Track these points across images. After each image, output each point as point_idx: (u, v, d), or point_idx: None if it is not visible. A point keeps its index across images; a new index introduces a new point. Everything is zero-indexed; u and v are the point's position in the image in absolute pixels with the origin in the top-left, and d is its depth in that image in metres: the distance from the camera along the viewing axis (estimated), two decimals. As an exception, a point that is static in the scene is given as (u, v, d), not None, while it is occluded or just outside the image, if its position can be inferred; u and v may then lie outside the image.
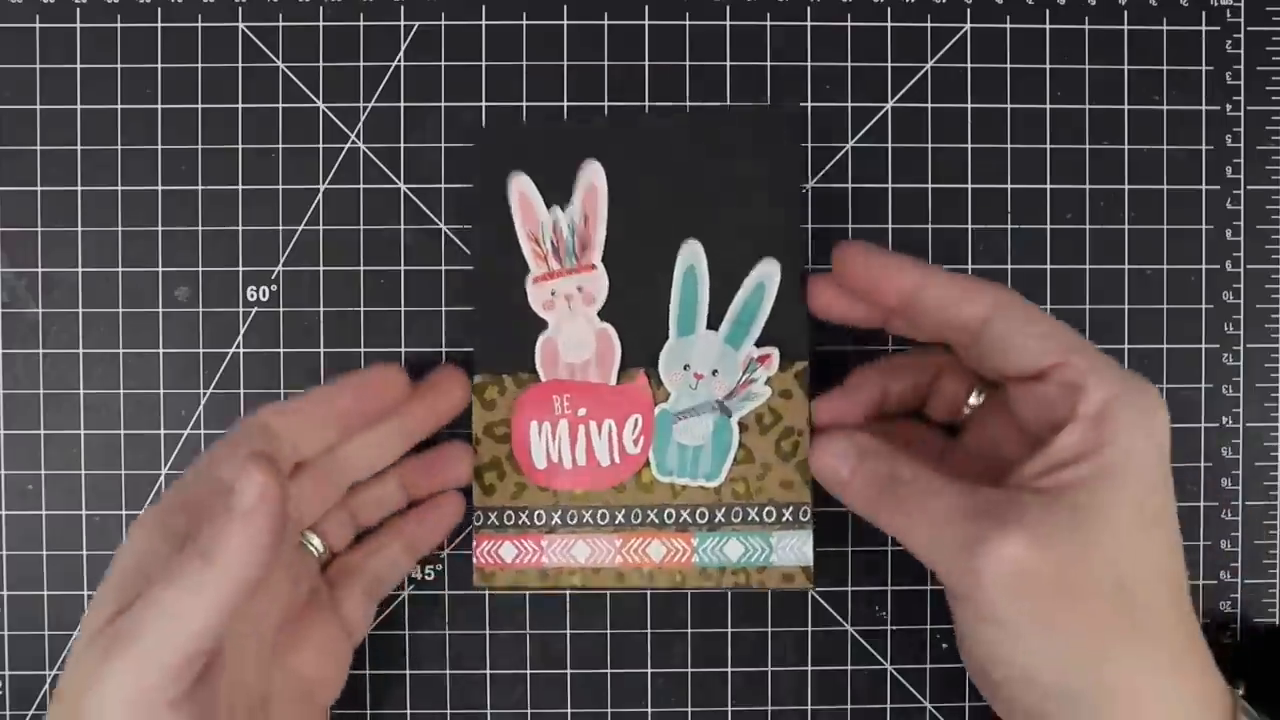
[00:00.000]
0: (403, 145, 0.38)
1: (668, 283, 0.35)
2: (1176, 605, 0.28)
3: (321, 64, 0.38)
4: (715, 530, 0.35)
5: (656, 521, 0.35)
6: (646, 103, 0.38)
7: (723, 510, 0.35)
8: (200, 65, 0.38)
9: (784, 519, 0.35)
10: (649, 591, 0.37)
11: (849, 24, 0.38)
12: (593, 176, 0.35)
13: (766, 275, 0.34)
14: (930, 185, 0.38)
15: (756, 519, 0.35)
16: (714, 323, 0.35)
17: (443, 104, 0.38)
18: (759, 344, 0.34)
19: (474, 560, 0.35)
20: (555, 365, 0.35)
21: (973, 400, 0.34)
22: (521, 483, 0.35)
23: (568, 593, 0.37)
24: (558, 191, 0.35)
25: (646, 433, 0.35)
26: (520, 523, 0.35)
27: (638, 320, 0.35)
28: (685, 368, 0.35)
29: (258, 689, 0.31)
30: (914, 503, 0.29)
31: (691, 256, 0.35)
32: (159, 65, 0.38)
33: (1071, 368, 0.28)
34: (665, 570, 0.35)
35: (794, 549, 0.35)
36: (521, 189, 0.35)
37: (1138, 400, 0.28)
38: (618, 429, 0.35)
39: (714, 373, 0.35)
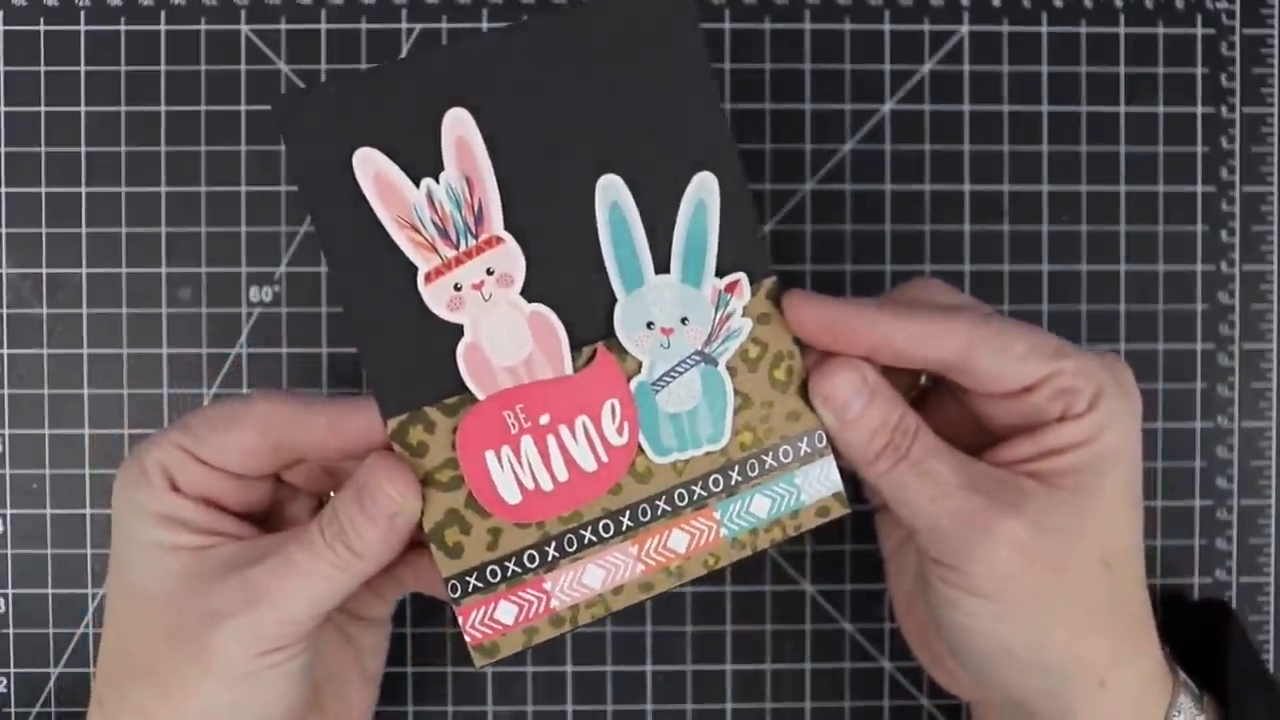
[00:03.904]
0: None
1: (594, 233, 0.28)
2: (1141, 582, 0.29)
3: (324, 66, 0.38)
4: (736, 493, 0.29)
5: (669, 509, 0.29)
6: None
7: (737, 469, 0.29)
8: (203, 67, 0.38)
9: (802, 453, 0.30)
10: (686, 590, 0.35)
11: (847, 26, 0.38)
12: (458, 127, 0.27)
13: (704, 191, 0.29)
14: (928, 187, 0.38)
15: (774, 464, 0.30)
16: (661, 264, 0.29)
17: (444, 106, 0.38)
18: (719, 273, 0.29)
19: (466, 639, 0.29)
20: (490, 375, 0.28)
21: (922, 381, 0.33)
22: (495, 527, 0.29)
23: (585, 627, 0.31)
24: (421, 158, 0.27)
25: (629, 415, 0.29)
26: (510, 574, 0.29)
27: (573, 288, 0.28)
28: (649, 325, 0.29)
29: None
30: (919, 461, 0.28)
31: (613, 193, 0.28)
32: (162, 67, 0.38)
33: (1060, 375, 0.28)
34: (695, 558, 0.29)
35: (820, 479, 0.30)
36: (374, 168, 0.27)
37: (1121, 385, 0.29)
38: (594, 423, 0.29)
39: (683, 321, 0.29)
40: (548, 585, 0.29)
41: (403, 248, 0.28)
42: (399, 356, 0.28)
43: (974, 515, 0.27)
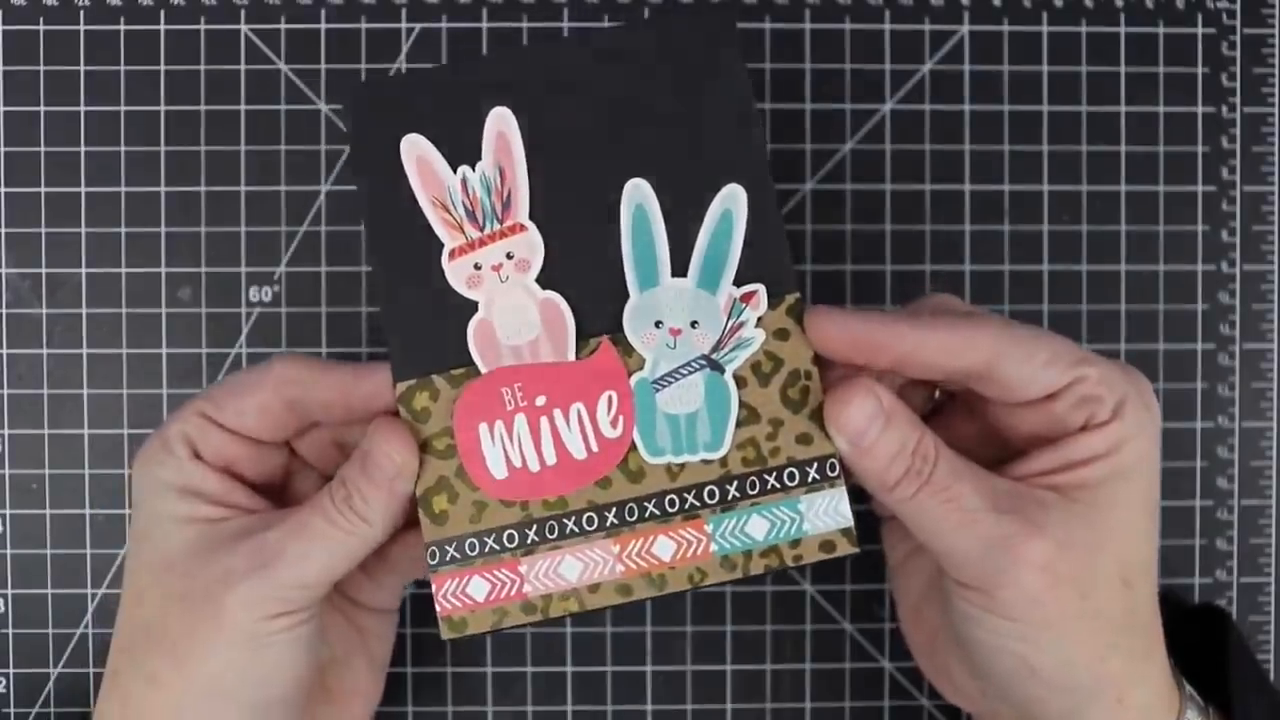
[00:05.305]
0: (404, 147, 0.38)
1: (615, 232, 0.29)
2: (1154, 595, 0.29)
3: (323, 66, 0.38)
4: (732, 509, 0.29)
5: (658, 513, 0.29)
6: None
7: (735, 484, 0.29)
8: (203, 67, 0.38)
9: (810, 479, 0.29)
10: (661, 598, 0.33)
11: (847, 26, 0.38)
12: (500, 124, 0.29)
13: (731, 202, 0.29)
14: (928, 186, 0.38)
15: (778, 485, 0.29)
16: (679, 269, 0.29)
17: (444, 106, 0.38)
18: (738, 283, 0.29)
19: (437, 608, 0.29)
20: (496, 351, 0.29)
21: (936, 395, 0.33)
22: (480, 500, 0.29)
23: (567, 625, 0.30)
24: (462, 148, 0.30)
25: (625, 410, 0.29)
26: (488, 550, 0.29)
27: (588, 281, 0.29)
28: (658, 325, 0.29)
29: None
30: (941, 486, 0.28)
31: (638, 196, 0.29)
32: (162, 67, 0.38)
33: (1084, 383, 0.28)
34: (679, 569, 0.29)
35: (828, 511, 0.29)
36: (418, 152, 0.30)
37: (1144, 397, 0.28)
38: (589, 412, 0.29)
39: (693, 324, 0.29)
40: (523, 569, 0.29)
41: (433, 225, 0.30)
42: (416, 324, 0.30)
43: (1000, 540, 0.27)
